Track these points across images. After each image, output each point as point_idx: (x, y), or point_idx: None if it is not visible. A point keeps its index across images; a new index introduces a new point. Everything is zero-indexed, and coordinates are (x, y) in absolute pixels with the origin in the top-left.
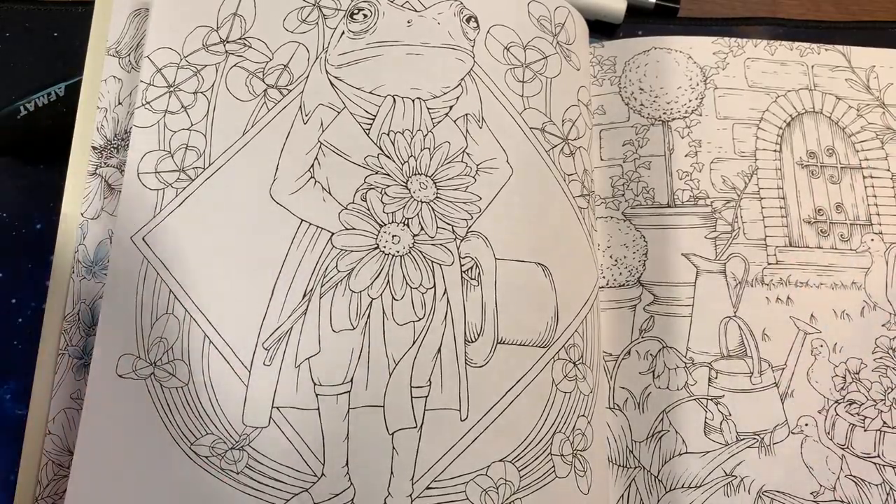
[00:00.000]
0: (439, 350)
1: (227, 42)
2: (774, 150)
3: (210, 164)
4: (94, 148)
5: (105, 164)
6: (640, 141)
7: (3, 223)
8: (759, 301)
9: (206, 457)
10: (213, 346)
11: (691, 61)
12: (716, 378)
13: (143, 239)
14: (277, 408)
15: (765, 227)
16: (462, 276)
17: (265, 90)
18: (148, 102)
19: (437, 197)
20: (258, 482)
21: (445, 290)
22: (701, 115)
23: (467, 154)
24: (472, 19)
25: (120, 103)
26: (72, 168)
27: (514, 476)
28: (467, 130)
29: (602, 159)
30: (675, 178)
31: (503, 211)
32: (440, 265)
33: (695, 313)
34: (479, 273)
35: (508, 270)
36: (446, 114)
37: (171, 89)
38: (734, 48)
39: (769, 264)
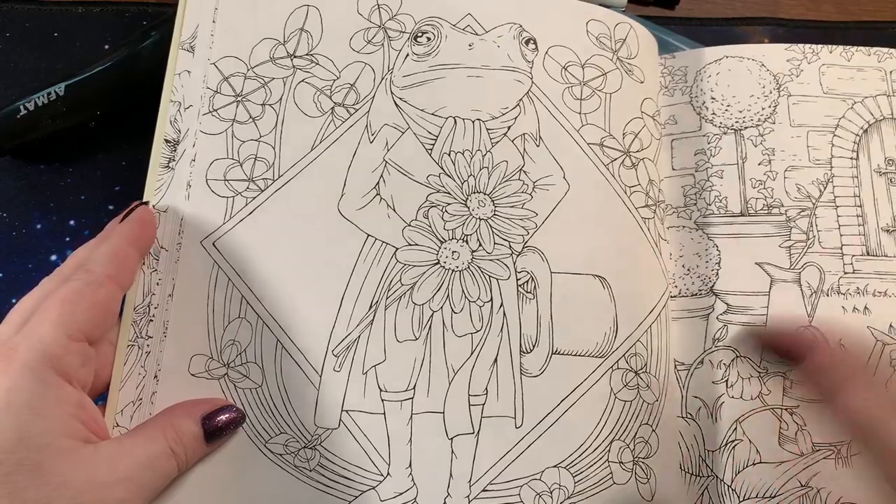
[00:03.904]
0: (495, 360)
1: (295, 57)
2: (851, 158)
3: (280, 177)
4: (167, 141)
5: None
6: (713, 150)
7: (3, 223)
8: (835, 311)
9: (281, 454)
10: (285, 350)
11: (764, 69)
12: (791, 388)
13: (214, 244)
14: (346, 411)
15: (841, 235)
16: (518, 290)
17: (332, 108)
18: (215, 110)
19: (494, 214)
20: (329, 479)
21: (502, 303)
22: (774, 122)
23: (524, 172)
24: (531, 41)
25: None
26: (151, 160)
27: (568, 481)
28: (524, 149)
29: (674, 169)
30: (749, 187)
31: (559, 226)
32: (497, 280)
33: (769, 323)
34: (534, 287)
35: (564, 283)
36: (504, 134)
37: (239, 99)
38: (808, 55)
39: (845, 273)
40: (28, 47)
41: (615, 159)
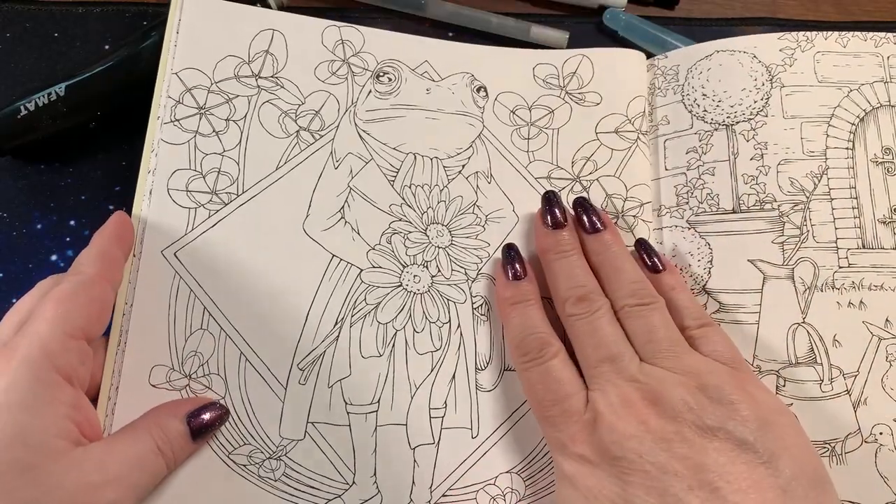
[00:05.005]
0: (454, 377)
1: (260, 77)
2: (847, 148)
3: (244, 192)
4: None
5: None
6: (704, 147)
7: (3, 223)
8: (830, 306)
9: (244, 465)
10: (248, 363)
11: (756, 60)
12: (784, 386)
13: (175, 254)
14: (312, 423)
15: (836, 229)
16: (474, 313)
17: (298, 131)
18: (177, 120)
19: (451, 243)
20: (295, 489)
21: (459, 324)
22: (767, 115)
23: (477, 206)
24: (482, 89)
25: None
26: (143, 165)
27: (520, 486)
28: (477, 186)
29: (666, 169)
30: (741, 183)
31: None
32: (455, 303)
33: (762, 320)
34: (488, 310)
35: None
36: (459, 171)
37: (202, 112)
38: (802, 42)
39: (840, 268)
40: (28, 47)
41: (563, 188)
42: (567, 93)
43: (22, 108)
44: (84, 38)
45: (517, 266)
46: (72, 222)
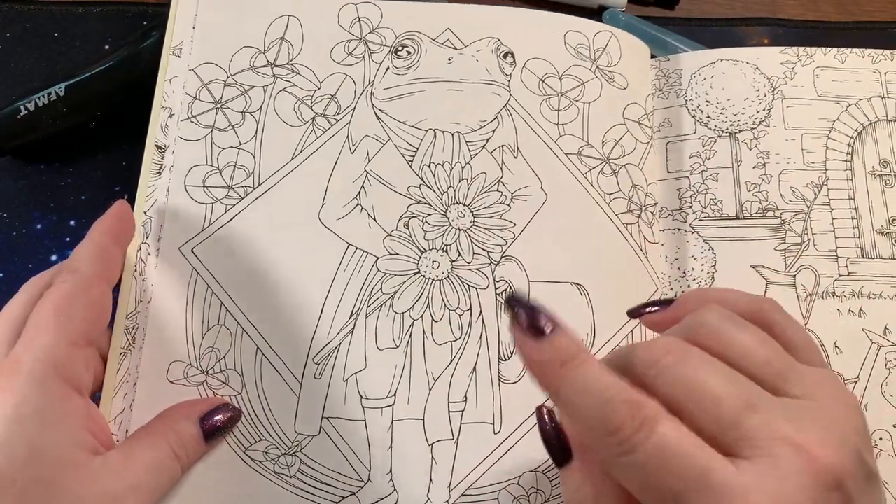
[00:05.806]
0: (475, 368)
1: (275, 66)
2: (845, 161)
3: (260, 185)
4: (158, 147)
5: None
6: (708, 153)
7: (3, 223)
8: (831, 313)
9: (260, 461)
10: (265, 358)
11: (758, 72)
12: None
13: (192, 251)
14: (327, 418)
15: (836, 238)
16: (496, 299)
17: (313, 118)
18: (194, 116)
19: (473, 225)
20: (310, 485)
21: (481, 311)
22: (769, 125)
23: (502, 183)
24: (509, 55)
25: None
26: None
27: (545, 486)
28: (503, 161)
29: (669, 171)
30: (744, 190)
31: (537, 235)
32: (476, 289)
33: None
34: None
35: (542, 292)
36: (483, 146)
37: (218, 106)
38: (802, 57)
39: (840, 276)
40: (28, 47)
41: (593, 167)
42: (598, 67)
43: (22, 108)
44: (84, 38)
45: (542, 315)
46: (72, 222)
